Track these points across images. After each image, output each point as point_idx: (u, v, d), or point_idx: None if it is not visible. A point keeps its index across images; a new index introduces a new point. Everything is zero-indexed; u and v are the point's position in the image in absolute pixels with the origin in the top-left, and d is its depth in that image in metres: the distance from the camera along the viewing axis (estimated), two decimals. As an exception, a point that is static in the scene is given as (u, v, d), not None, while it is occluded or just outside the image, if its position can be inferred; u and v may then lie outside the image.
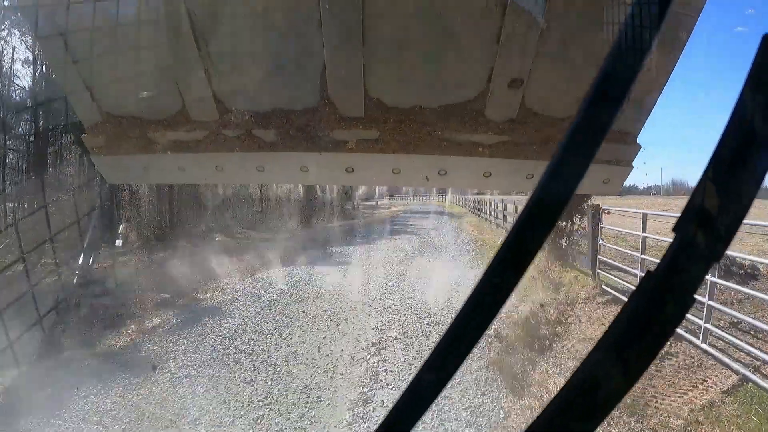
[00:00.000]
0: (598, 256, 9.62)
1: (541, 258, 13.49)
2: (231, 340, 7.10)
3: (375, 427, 0.47)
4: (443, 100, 2.08)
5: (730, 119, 0.42)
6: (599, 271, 9.51)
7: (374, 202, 74.13)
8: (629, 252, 9.07)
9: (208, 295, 10.79)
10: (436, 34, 1.92)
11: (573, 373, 0.43)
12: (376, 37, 1.94)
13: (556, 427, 0.44)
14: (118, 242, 22.52)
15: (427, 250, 16.80)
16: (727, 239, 0.42)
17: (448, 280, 11.25)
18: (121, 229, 23.42)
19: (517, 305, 8.54)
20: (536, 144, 2.05)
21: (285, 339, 6.95)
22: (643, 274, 0.44)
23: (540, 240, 0.42)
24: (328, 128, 2.09)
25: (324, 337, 6.89)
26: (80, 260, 14.86)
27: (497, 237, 21.18)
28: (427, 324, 7.71)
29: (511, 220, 21.19)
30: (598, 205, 9.91)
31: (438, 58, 2.02)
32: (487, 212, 29.51)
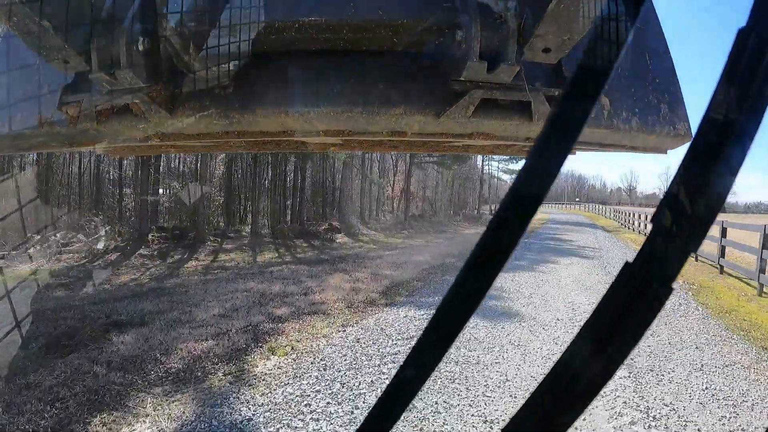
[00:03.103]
0: None
1: None
2: None
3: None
4: None
5: (706, 112, 0.43)
6: None
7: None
8: None
9: (268, 366, 5.90)
10: None
11: (552, 366, 0.43)
12: None
13: (537, 420, 0.45)
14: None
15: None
16: (703, 229, 0.44)
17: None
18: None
19: None
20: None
21: None
22: None
23: (517, 237, 0.43)
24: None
25: None
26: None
27: (700, 273, 13.92)
28: None
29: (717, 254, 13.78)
30: None
31: None
32: (646, 227, 26.37)
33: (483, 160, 55.44)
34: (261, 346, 6.51)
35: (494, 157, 58.28)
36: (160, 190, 23.32)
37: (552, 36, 1.27)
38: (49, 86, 1.48)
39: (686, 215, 0.43)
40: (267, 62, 1.43)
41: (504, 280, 12.19)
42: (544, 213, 63.89)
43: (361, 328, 7.42)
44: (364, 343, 6.68)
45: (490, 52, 1.27)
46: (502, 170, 62.08)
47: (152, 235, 17.82)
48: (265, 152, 23.74)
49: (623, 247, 22.14)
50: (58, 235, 16.11)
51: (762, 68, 0.42)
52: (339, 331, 7.24)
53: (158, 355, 6.21)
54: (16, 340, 7.20)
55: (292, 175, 27.50)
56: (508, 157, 58.34)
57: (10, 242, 15.32)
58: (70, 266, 13.89)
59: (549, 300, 10.04)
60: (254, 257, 17.20)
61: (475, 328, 7.52)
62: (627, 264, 0.44)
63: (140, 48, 1.30)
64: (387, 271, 13.31)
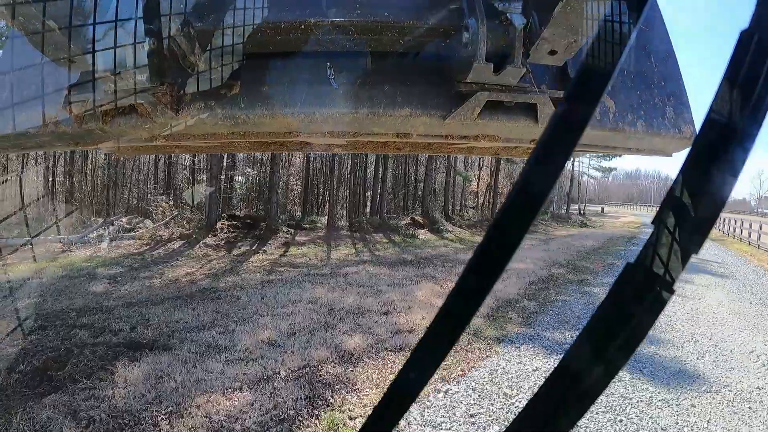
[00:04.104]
0: None
1: None
2: None
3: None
4: None
5: (708, 114, 0.42)
6: None
7: (599, 209, 62.29)
8: None
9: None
10: None
11: (555, 367, 0.42)
12: None
13: (541, 420, 0.44)
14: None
15: None
16: (705, 231, 0.43)
17: None
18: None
19: None
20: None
21: None
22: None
23: (519, 238, 0.41)
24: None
25: None
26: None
27: None
28: None
29: None
30: None
31: None
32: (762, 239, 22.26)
33: (572, 157, 50.12)
34: (318, 415, 4.10)
35: (585, 153, 52.50)
36: (239, 177, 22.11)
37: (558, 38, 1.23)
38: (55, 86, 1.38)
39: (688, 217, 0.43)
40: (272, 63, 1.39)
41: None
42: (636, 216, 56.88)
43: (471, 387, 4.78)
44: (483, 423, 4.02)
45: (496, 54, 1.24)
46: (594, 167, 56.14)
47: (221, 224, 16.32)
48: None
49: (743, 261, 17.66)
50: (123, 219, 15.05)
51: (764, 70, 0.41)
52: (438, 391, 4.65)
53: (161, 416, 4.00)
54: (9, 356, 5.42)
55: (373, 165, 25.32)
56: (599, 154, 52.22)
57: (78, 225, 14.44)
58: (127, 254, 12.56)
59: (720, 345, 6.85)
60: (328, 253, 15.12)
61: (650, 405, 4.60)
62: (628, 265, 0.43)
63: (146, 48, 1.25)
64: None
